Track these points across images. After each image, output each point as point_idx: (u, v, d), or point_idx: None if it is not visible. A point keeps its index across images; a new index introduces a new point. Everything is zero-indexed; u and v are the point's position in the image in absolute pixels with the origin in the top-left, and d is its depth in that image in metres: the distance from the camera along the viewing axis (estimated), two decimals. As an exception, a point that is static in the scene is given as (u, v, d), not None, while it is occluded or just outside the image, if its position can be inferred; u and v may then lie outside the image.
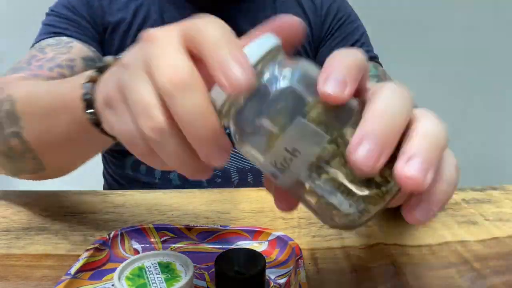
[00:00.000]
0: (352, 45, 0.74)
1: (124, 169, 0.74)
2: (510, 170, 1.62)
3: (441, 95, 1.49)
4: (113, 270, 0.35)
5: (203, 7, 0.69)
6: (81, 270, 0.37)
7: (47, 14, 0.71)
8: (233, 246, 0.42)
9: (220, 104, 0.25)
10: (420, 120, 0.25)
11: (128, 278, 0.34)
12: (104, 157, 0.81)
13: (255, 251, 0.36)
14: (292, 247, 0.40)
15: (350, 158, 0.22)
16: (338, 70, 0.24)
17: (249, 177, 0.73)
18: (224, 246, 0.42)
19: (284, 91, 0.25)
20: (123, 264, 0.35)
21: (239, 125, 0.26)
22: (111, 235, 0.42)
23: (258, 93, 0.25)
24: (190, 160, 0.26)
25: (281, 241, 0.42)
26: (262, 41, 0.26)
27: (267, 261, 0.37)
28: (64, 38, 0.65)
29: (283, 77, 0.25)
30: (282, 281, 0.38)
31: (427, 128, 0.24)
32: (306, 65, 0.26)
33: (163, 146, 0.25)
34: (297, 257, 0.38)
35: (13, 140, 0.44)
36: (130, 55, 0.27)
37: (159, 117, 0.24)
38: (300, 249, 0.40)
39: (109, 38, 0.71)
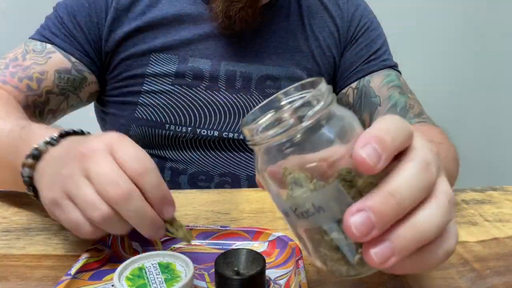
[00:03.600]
0: (375, 52, 0.76)
1: None
2: (510, 170, 1.62)
3: (441, 95, 1.49)
4: (113, 270, 0.35)
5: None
6: (81, 270, 0.37)
7: (54, 8, 0.72)
8: (233, 247, 0.42)
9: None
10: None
11: (128, 279, 0.34)
12: None
13: (255, 251, 0.36)
14: (292, 248, 0.40)
15: (344, 222, 0.25)
16: (379, 139, 0.25)
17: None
18: (224, 247, 0.42)
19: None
20: (123, 264, 0.35)
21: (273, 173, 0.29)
22: (111, 236, 0.42)
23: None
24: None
25: (281, 242, 0.42)
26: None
27: (267, 261, 0.37)
28: (49, 47, 0.68)
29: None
30: (282, 281, 0.38)
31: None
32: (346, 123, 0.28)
33: (109, 225, 0.36)
34: (297, 258, 0.38)
35: None
36: (66, 166, 0.37)
37: (104, 209, 0.35)
38: (300, 250, 0.40)
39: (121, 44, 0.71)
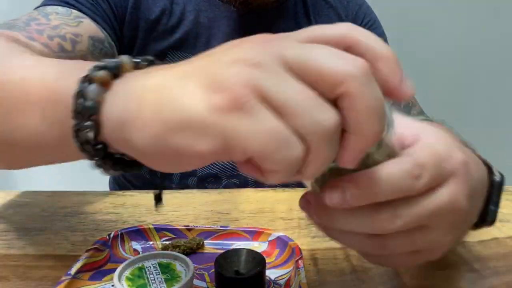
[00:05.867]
0: None
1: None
2: (510, 170, 1.62)
3: (441, 95, 1.49)
4: (113, 270, 0.35)
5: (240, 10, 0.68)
6: (81, 270, 0.37)
7: None
8: (233, 247, 0.42)
9: None
10: None
11: (128, 279, 0.34)
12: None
13: (255, 251, 0.36)
14: (292, 248, 0.40)
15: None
16: None
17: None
18: (224, 247, 0.42)
19: None
20: (123, 264, 0.35)
21: None
22: (111, 236, 0.42)
23: None
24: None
25: (281, 242, 0.42)
26: None
27: (267, 261, 0.37)
28: (75, 12, 0.58)
29: None
30: (282, 281, 0.38)
31: None
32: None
33: (328, 144, 0.22)
34: (297, 258, 0.38)
35: None
36: (230, 52, 0.24)
37: (333, 112, 0.21)
38: (300, 250, 0.40)
39: (134, 34, 0.66)
